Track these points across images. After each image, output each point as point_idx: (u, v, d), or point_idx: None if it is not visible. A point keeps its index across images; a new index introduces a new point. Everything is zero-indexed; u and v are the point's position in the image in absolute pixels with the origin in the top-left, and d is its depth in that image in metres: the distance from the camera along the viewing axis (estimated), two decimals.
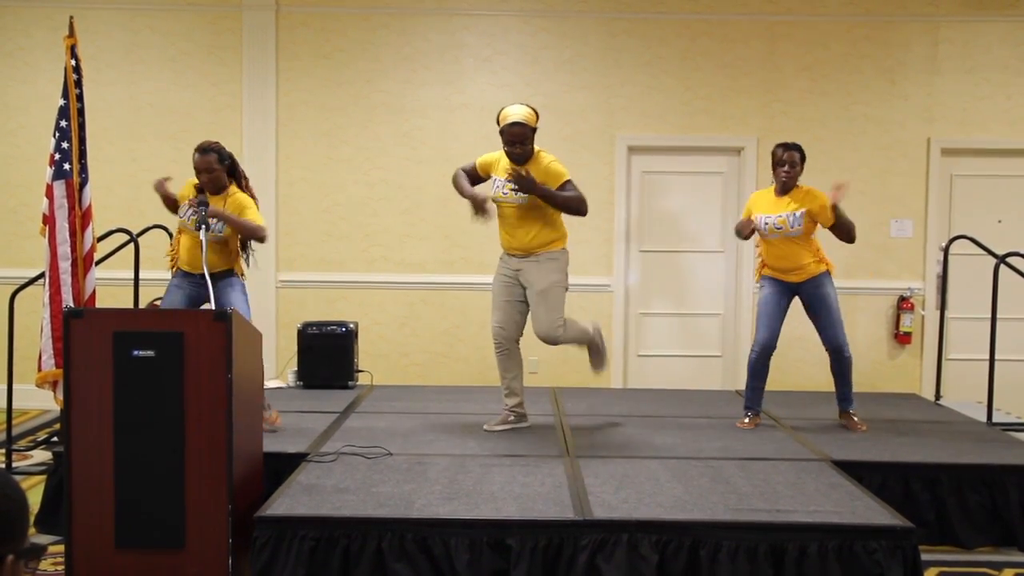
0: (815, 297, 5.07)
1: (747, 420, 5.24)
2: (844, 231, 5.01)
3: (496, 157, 4.96)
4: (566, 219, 4.95)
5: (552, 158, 4.85)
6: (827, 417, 5.40)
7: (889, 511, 3.72)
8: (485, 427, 5.06)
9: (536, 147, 4.84)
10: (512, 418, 5.07)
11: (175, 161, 7.13)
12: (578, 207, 4.81)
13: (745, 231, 5.18)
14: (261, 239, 4.79)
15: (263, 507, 3.66)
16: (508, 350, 5.02)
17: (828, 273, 5.10)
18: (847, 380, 5.17)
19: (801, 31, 7.16)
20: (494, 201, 4.90)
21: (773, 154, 5.09)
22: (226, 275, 4.83)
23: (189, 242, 4.79)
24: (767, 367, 5.19)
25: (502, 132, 4.77)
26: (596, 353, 5.16)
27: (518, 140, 4.73)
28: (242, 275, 4.94)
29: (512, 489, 3.92)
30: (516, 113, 4.76)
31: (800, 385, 6.63)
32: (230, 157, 4.79)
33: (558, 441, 4.84)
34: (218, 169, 4.69)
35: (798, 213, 4.97)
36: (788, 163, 5.00)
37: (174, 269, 4.90)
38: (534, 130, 4.80)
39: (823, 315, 5.07)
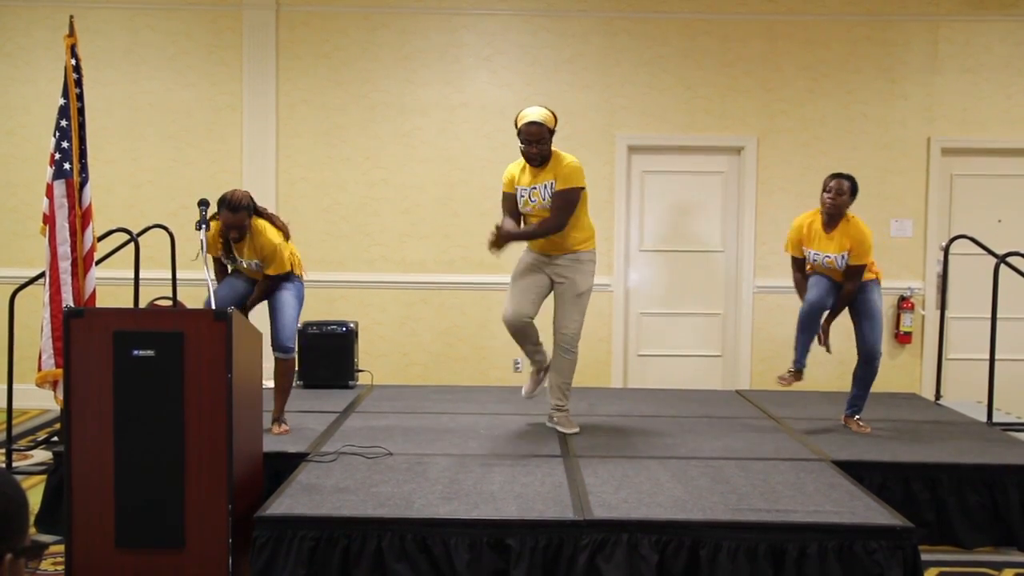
0: (860, 301, 5.04)
1: (788, 375, 5.19)
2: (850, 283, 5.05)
3: (515, 170, 4.91)
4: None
5: (573, 162, 4.79)
6: (827, 417, 5.40)
7: (889, 511, 3.72)
8: (523, 393, 5.15)
9: (555, 148, 4.82)
10: (540, 375, 5.14)
11: (175, 160, 7.16)
12: (548, 232, 4.78)
13: (801, 283, 5.17)
14: (282, 274, 4.86)
15: (263, 507, 3.66)
16: (523, 331, 4.95)
17: (877, 281, 5.07)
18: (866, 390, 5.15)
19: (801, 31, 7.16)
20: (522, 212, 4.88)
21: (824, 181, 5.01)
22: (284, 278, 4.87)
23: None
24: (817, 323, 5.07)
25: (519, 132, 4.74)
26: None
27: (534, 139, 4.70)
28: (301, 274, 4.97)
29: (512, 489, 3.92)
30: (533, 113, 4.74)
31: (801, 385, 6.59)
32: (251, 200, 4.75)
33: (558, 441, 4.84)
34: (247, 224, 4.68)
35: (844, 255, 4.94)
36: (834, 190, 4.91)
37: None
38: (551, 131, 4.76)
39: (865, 320, 5.03)
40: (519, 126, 4.75)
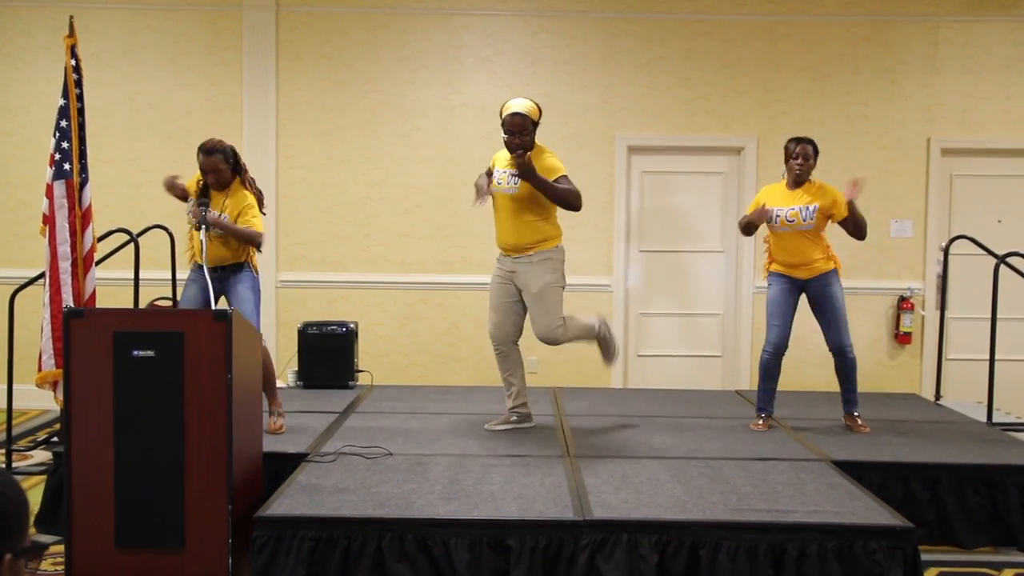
0: (821, 296, 5.06)
1: (760, 422, 5.21)
2: (856, 227, 4.99)
3: (500, 153, 5.02)
4: (562, 216, 4.95)
5: (550, 153, 4.87)
6: (827, 417, 5.40)
7: (889, 511, 3.72)
8: (486, 426, 5.06)
9: (537, 142, 4.86)
10: (514, 419, 5.07)
11: (175, 161, 7.14)
12: (573, 201, 4.75)
13: (751, 225, 5.13)
14: (256, 246, 4.76)
15: (263, 507, 3.66)
16: (505, 352, 5.02)
17: (836, 271, 5.08)
18: (851, 382, 5.15)
19: (801, 31, 7.16)
20: (491, 193, 4.95)
21: (785, 148, 5.10)
22: (237, 269, 4.82)
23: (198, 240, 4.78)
24: (779, 367, 5.17)
25: (503, 123, 4.80)
26: (606, 345, 5.09)
27: (516, 130, 4.74)
28: (255, 269, 4.89)
29: (512, 489, 3.92)
30: (518, 104, 4.80)
31: (800, 385, 6.63)
32: (233, 153, 4.79)
33: (558, 441, 4.84)
34: (223, 168, 4.71)
35: (811, 207, 4.96)
36: (801, 156, 5.00)
37: (191, 262, 4.91)
38: (535, 124, 4.81)
39: (827, 315, 5.05)
40: (503, 116, 4.80)
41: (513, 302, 4.97)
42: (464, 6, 7.17)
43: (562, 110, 7.11)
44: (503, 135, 4.83)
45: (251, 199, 4.77)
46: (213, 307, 4.29)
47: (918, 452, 4.68)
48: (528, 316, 4.97)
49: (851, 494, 3.92)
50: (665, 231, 7.34)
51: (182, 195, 4.88)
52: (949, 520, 4.36)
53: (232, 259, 4.81)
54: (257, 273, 4.92)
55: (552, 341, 4.92)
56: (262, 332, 4.87)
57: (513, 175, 4.78)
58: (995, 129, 7.19)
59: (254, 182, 4.91)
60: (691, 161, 7.30)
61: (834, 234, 5.14)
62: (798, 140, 5.07)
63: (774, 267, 5.17)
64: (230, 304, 4.79)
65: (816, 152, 5.06)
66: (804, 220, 4.97)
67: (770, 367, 5.16)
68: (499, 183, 4.86)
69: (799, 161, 5.01)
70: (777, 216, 5.02)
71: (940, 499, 4.38)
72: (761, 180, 7.16)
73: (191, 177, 4.92)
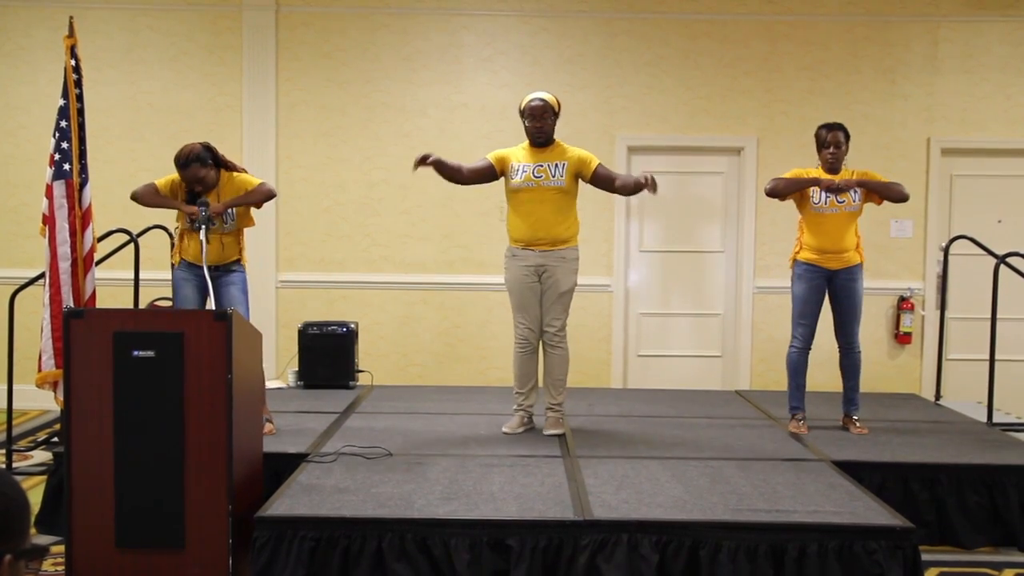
0: (845, 288, 5.04)
1: (801, 423, 5.14)
2: (889, 193, 4.96)
3: (511, 149, 5.00)
4: None
5: (582, 150, 4.94)
6: (827, 417, 5.40)
7: (889, 511, 3.72)
8: (505, 430, 5.02)
9: (558, 139, 4.94)
10: (527, 420, 5.06)
11: None
12: (625, 184, 4.94)
13: (792, 186, 4.99)
14: (273, 195, 4.85)
15: (263, 507, 3.66)
16: (532, 349, 5.00)
17: (861, 265, 5.08)
18: (855, 379, 5.14)
19: (801, 31, 7.16)
20: (515, 190, 4.88)
21: (816, 136, 5.04)
22: (230, 268, 4.83)
23: (196, 239, 4.75)
24: (807, 362, 5.14)
25: (523, 111, 4.87)
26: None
27: (538, 114, 4.82)
28: (245, 267, 4.93)
29: (512, 489, 3.92)
30: (539, 93, 4.92)
31: None
32: (208, 149, 4.68)
33: (558, 441, 4.84)
34: (204, 173, 4.64)
35: (858, 191, 4.97)
36: (833, 144, 4.95)
37: (178, 261, 4.89)
38: (555, 114, 4.89)
39: (846, 308, 5.04)
40: (524, 105, 4.89)
41: (538, 299, 4.96)
42: (464, 6, 7.16)
43: (562, 110, 7.09)
44: (527, 124, 4.87)
45: (243, 176, 4.78)
46: (213, 307, 4.29)
47: (918, 452, 4.68)
48: (543, 310, 4.97)
49: (851, 494, 3.92)
50: (665, 231, 7.35)
51: (168, 204, 4.82)
52: (949, 520, 4.36)
53: (229, 257, 4.82)
54: (245, 262, 4.94)
55: (557, 338, 4.94)
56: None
57: (539, 172, 4.81)
58: (995, 129, 7.19)
59: (238, 166, 4.86)
60: (691, 161, 7.30)
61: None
62: (829, 127, 5.01)
63: (804, 255, 5.07)
64: (220, 304, 4.80)
65: (847, 137, 5.00)
66: (854, 201, 4.96)
67: (799, 363, 5.13)
68: (537, 176, 4.82)
69: (831, 150, 4.95)
70: (827, 198, 4.96)
71: (940, 499, 4.39)
72: (761, 180, 7.15)
73: (165, 178, 4.80)
